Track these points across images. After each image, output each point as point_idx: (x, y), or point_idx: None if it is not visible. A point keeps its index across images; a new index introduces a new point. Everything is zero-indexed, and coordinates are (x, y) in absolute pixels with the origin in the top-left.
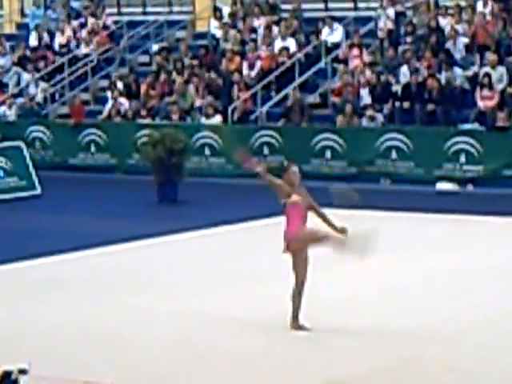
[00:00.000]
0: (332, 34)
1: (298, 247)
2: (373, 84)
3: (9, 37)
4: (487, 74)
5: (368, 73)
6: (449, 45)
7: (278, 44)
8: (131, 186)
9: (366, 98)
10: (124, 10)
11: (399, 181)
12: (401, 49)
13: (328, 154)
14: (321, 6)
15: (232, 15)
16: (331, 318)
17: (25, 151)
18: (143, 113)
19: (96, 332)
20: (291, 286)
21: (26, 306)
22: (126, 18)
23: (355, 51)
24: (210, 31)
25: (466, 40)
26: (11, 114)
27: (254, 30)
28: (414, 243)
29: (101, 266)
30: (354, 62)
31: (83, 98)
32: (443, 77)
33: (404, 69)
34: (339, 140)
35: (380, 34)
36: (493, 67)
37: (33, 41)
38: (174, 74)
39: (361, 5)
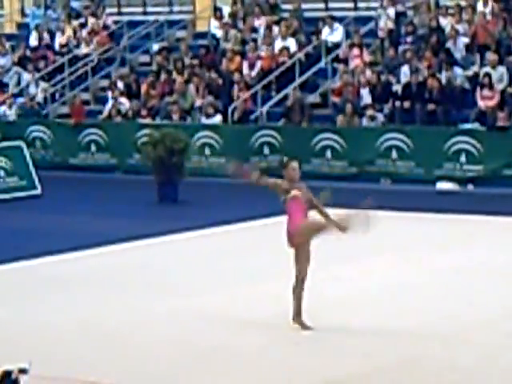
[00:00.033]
0: (332, 34)
1: (301, 241)
2: (373, 84)
3: (9, 36)
4: (487, 74)
5: (368, 73)
6: (449, 44)
7: (279, 44)
8: (131, 186)
9: (366, 97)
10: (124, 9)
11: (399, 180)
12: (401, 49)
13: (328, 153)
14: (321, 5)
15: (232, 15)
16: (331, 317)
17: (25, 151)
18: (143, 112)
19: (96, 331)
20: (292, 281)
21: (26, 305)
22: (126, 18)
23: (355, 51)
24: (210, 31)
25: (466, 40)
26: (11, 114)
27: (254, 30)
28: (414, 243)
29: (101, 266)
30: (355, 62)
31: (83, 97)
32: (443, 76)
33: (404, 69)
34: (339, 140)
35: (380, 34)
36: (493, 67)
37: (33, 41)
38: (175, 73)
39: (361, 5)
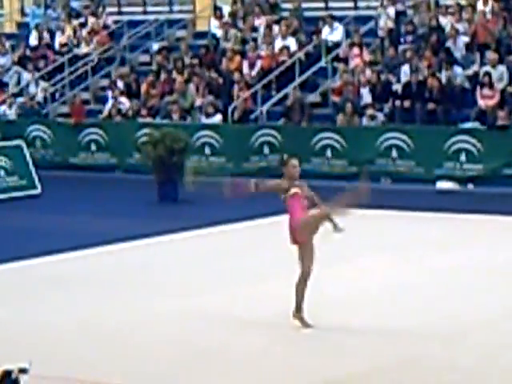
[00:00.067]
0: (332, 33)
1: (304, 236)
2: (373, 83)
3: (9, 36)
4: (487, 73)
5: (368, 72)
6: (449, 44)
7: (279, 43)
8: (132, 186)
9: (366, 97)
10: (124, 9)
11: (399, 180)
12: (401, 48)
13: (328, 153)
14: (321, 5)
15: (232, 14)
16: (331, 317)
17: (25, 150)
18: (143, 112)
19: (96, 331)
20: (296, 277)
21: (25, 305)
22: (126, 18)
23: (355, 50)
24: (210, 30)
25: (466, 39)
26: (11, 114)
27: (254, 29)
28: (414, 242)
29: (101, 266)
30: (355, 61)
31: (83, 97)
32: (443, 76)
33: (404, 68)
34: (340, 139)
35: (380, 33)
36: (493, 66)
37: (33, 40)
38: (175, 73)
39: (361, 4)
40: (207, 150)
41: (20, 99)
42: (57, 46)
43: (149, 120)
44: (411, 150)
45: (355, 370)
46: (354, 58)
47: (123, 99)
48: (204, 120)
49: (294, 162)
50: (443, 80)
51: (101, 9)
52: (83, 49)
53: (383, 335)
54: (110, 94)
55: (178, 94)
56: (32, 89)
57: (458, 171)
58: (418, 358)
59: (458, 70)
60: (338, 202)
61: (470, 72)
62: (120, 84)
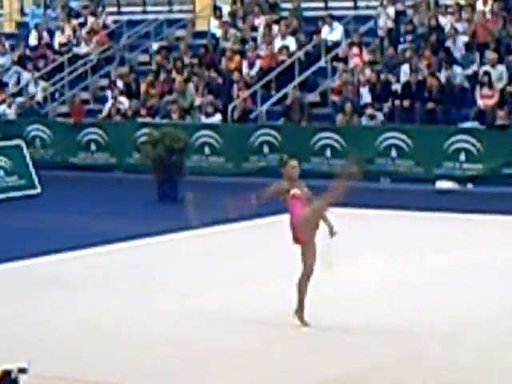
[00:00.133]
0: (332, 33)
1: (305, 236)
2: (373, 83)
3: (9, 36)
4: (487, 73)
5: (368, 71)
6: (449, 43)
7: (278, 43)
8: (131, 185)
9: (365, 96)
10: (124, 9)
11: (399, 179)
12: (401, 47)
13: (328, 152)
14: (321, 4)
15: (232, 14)
16: (331, 316)
17: (24, 150)
18: (143, 112)
19: (95, 331)
20: (299, 275)
21: (25, 305)
22: (125, 17)
23: (355, 50)
24: (209, 30)
25: (465, 38)
26: (11, 113)
27: (253, 29)
28: (413, 242)
29: (100, 265)
30: (354, 61)
31: (83, 97)
32: (443, 75)
33: (404, 67)
34: (339, 139)
35: (380, 33)
36: (493, 66)
37: (32, 40)
38: (174, 72)
39: (361, 3)
40: (207, 150)
41: (19, 99)
42: (56, 45)
43: (148, 120)
44: (411, 149)
45: (355, 368)
46: (354, 58)
47: (123, 99)
48: (203, 120)
49: (293, 162)
50: (443, 80)
51: (100, 8)
52: (83, 48)
53: (383, 334)
54: (109, 93)
55: (177, 93)
56: (31, 88)
57: (458, 171)
58: (418, 356)
59: (457, 69)
60: (330, 192)
61: (469, 72)
62: (119, 84)
